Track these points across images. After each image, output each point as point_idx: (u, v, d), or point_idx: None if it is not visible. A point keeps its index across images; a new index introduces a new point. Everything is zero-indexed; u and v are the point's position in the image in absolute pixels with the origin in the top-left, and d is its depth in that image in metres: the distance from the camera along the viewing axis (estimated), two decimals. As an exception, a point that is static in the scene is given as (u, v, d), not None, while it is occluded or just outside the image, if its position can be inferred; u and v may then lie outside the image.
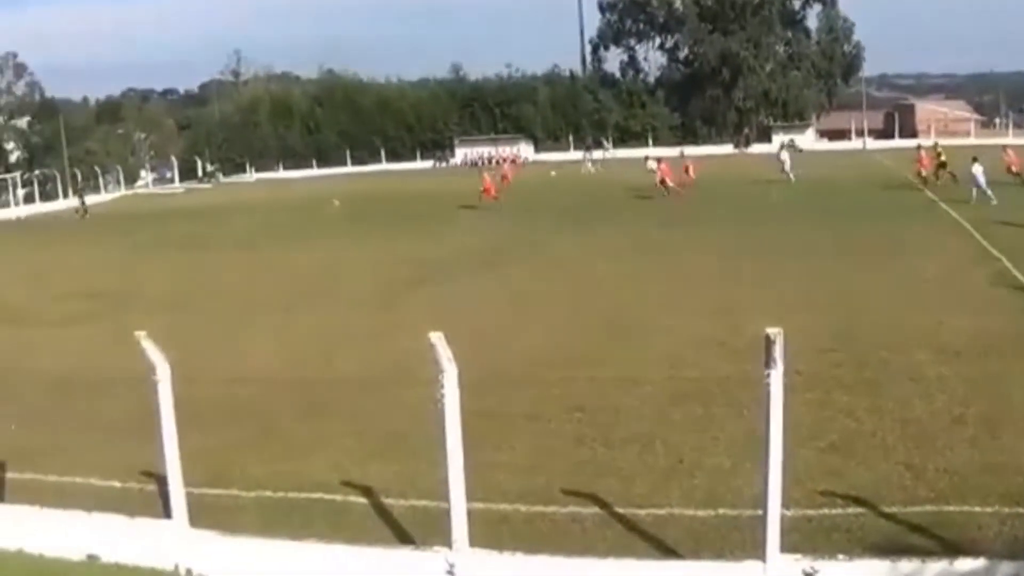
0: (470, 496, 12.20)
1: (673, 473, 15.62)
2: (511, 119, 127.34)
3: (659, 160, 68.43)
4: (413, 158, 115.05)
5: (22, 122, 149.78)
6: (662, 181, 62.93)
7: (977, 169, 49.48)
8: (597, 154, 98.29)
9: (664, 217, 50.64)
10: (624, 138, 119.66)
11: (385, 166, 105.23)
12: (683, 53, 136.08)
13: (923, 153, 62.28)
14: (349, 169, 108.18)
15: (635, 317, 26.86)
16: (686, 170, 66.81)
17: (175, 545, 13.65)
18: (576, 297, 29.79)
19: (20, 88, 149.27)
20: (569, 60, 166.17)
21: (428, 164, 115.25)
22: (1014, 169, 55.00)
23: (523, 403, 19.35)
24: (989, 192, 48.52)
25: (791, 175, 66.08)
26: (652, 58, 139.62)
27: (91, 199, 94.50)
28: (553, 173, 73.72)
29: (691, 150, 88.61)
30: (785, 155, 71.80)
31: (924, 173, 60.06)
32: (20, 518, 15.00)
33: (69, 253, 52.21)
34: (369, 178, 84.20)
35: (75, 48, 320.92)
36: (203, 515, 14.12)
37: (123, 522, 14.25)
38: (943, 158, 59.70)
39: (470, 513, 12.18)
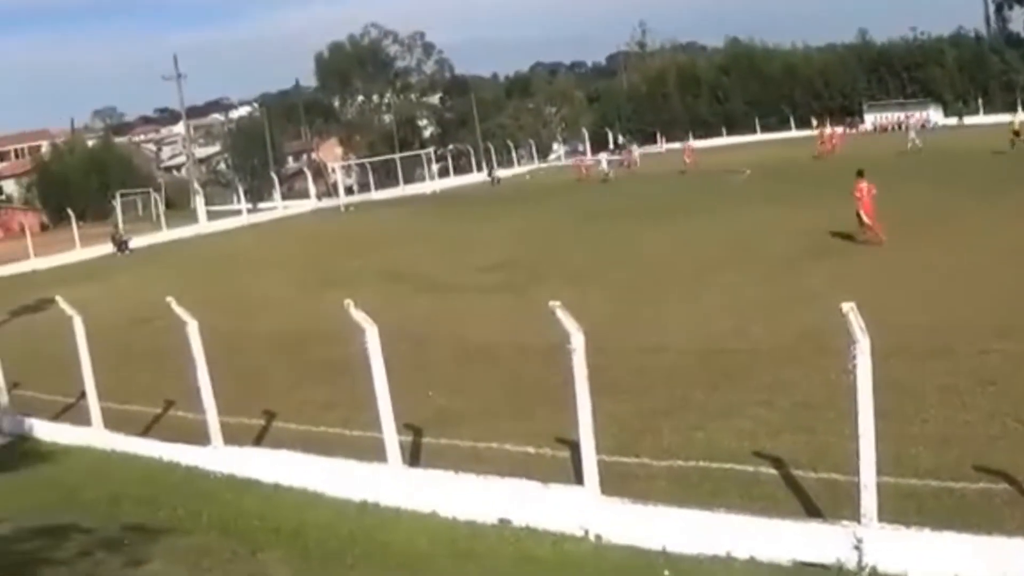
0: (880, 469, 12.12)
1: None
2: (919, 83, 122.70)
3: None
4: (822, 125, 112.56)
5: (434, 99, 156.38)
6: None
7: None
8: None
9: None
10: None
11: (795, 133, 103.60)
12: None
13: None
14: (759, 137, 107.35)
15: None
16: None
17: (585, 512, 14.15)
18: (991, 268, 28.55)
19: (429, 66, 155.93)
20: (974, 20, 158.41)
21: (837, 131, 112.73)
22: None
23: (935, 375, 18.84)
24: None
25: None
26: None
27: (503, 172, 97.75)
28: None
29: None
30: None
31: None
32: (435, 482, 15.93)
33: (484, 224, 54.10)
34: (779, 145, 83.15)
35: (482, 25, 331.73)
36: (614, 482, 14.56)
37: (535, 488, 14.88)
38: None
39: (879, 487, 12.11)
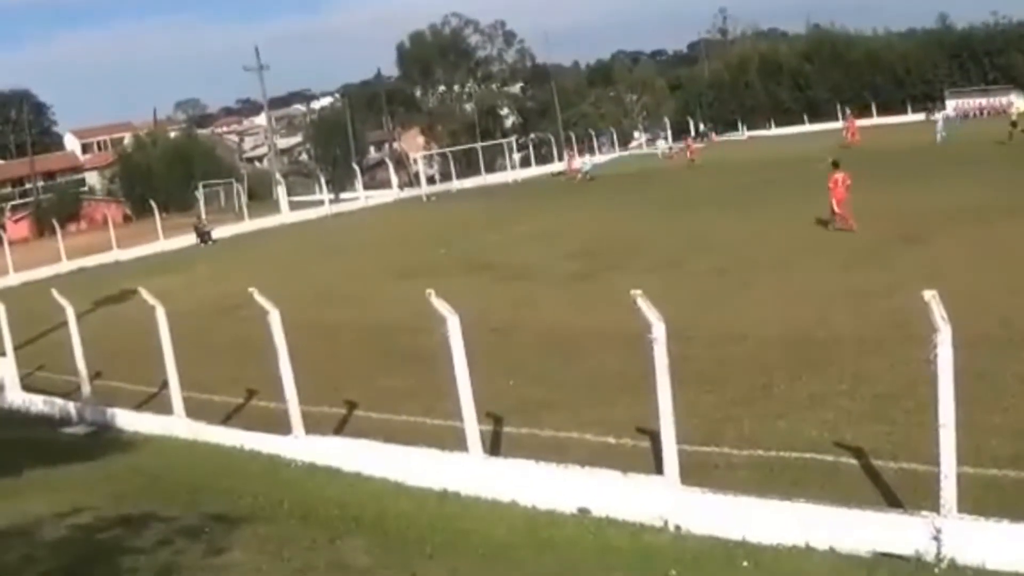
0: (960, 459, 12.06)
1: None
2: (1001, 69, 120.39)
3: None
4: (903, 111, 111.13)
5: (515, 88, 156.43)
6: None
7: None
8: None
9: None
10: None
11: (876, 120, 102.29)
12: None
13: None
14: (840, 124, 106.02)
15: None
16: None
17: (665, 501, 14.20)
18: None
19: (511, 55, 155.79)
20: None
21: (919, 117, 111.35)
22: None
23: (1016, 364, 18.68)
24: None
25: None
26: None
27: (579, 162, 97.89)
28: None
29: None
30: None
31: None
32: (515, 471, 16.06)
33: (568, 213, 54.21)
34: (860, 132, 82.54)
35: (563, 14, 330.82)
36: (694, 472, 14.63)
37: (615, 477, 14.97)
38: (1014, 117, 71.89)
39: (959, 477, 12.06)
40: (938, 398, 11.84)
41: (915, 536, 12.06)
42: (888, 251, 31.38)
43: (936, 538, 11.89)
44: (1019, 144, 63.67)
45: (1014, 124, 69.43)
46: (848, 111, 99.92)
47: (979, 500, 12.53)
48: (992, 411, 16.13)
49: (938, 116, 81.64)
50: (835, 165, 39.20)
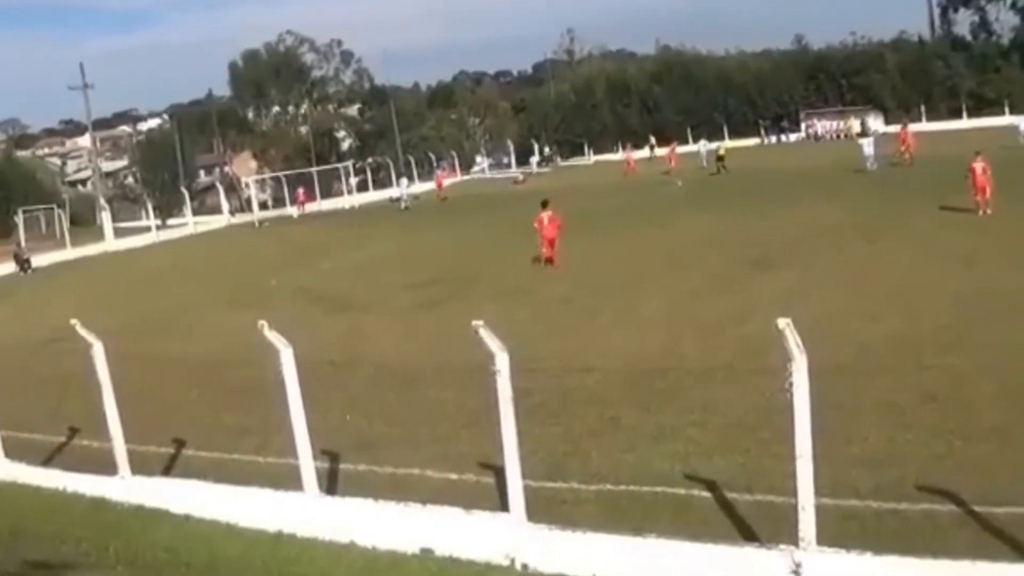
0: (819, 491, 12.09)
1: (1033, 469, 15.00)
2: (859, 89, 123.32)
3: None
4: (756, 134, 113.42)
5: (352, 110, 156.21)
6: None
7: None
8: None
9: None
10: (979, 106, 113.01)
11: (729, 143, 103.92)
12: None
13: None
14: (689, 148, 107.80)
15: (994, 298, 25.51)
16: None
17: (511, 539, 14.04)
18: (932, 277, 28.78)
19: (348, 76, 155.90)
20: (917, 24, 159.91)
21: (772, 140, 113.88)
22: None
23: (875, 392, 18.98)
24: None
25: None
26: (1005, 19, 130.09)
27: (424, 187, 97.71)
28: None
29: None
30: None
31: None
32: (354, 510, 15.78)
33: (407, 240, 54.16)
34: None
35: (402, 33, 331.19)
36: (541, 508, 14.48)
37: (458, 515, 14.78)
38: (721, 152, 77.82)
39: (818, 509, 12.09)
40: (794, 428, 11.86)
41: (773, 570, 12.05)
42: (738, 277, 31.81)
43: (795, 572, 11.89)
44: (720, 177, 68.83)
45: (720, 159, 75.01)
46: (653, 139, 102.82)
47: (839, 532, 12.61)
48: (851, 441, 16.34)
49: (699, 146, 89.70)
50: (544, 205, 40.39)
